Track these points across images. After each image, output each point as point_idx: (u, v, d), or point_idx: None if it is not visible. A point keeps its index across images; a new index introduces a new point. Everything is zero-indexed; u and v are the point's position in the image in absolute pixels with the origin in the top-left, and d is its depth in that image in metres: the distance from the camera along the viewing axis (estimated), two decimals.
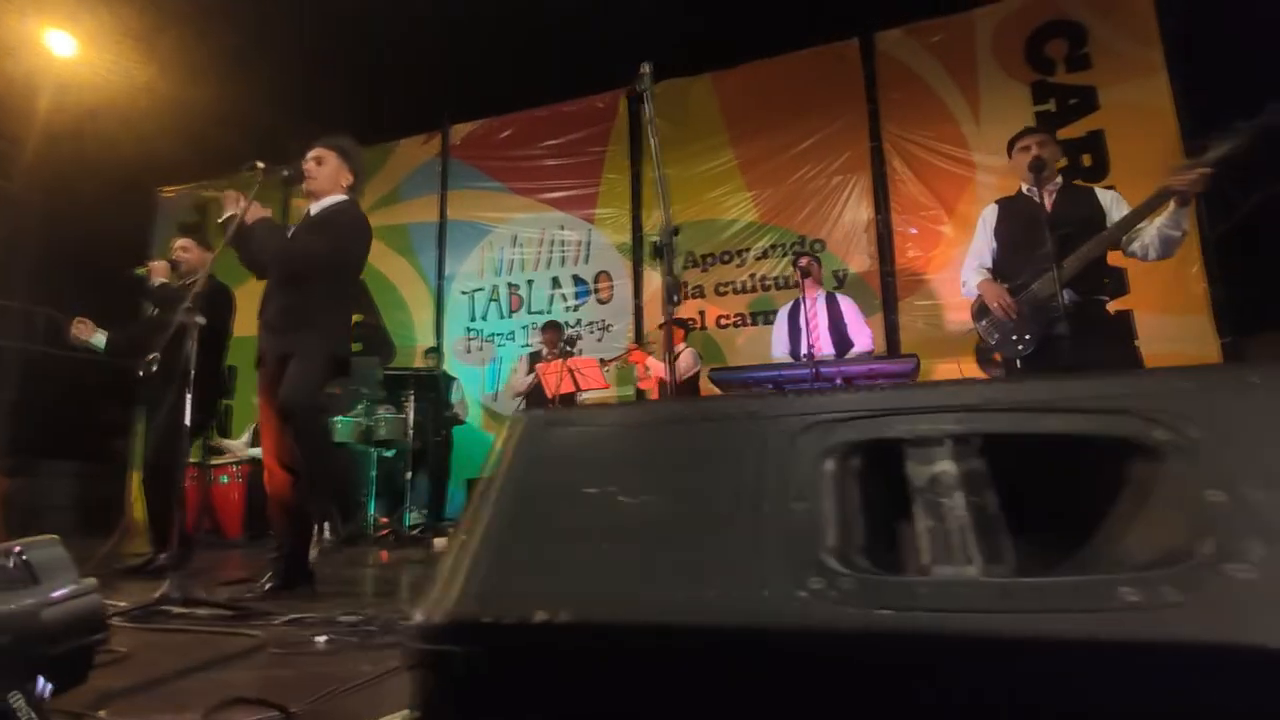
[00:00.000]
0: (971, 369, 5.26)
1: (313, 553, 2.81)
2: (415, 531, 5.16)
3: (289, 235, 2.79)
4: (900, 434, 0.62)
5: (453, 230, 7.58)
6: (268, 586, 2.54)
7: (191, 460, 4.90)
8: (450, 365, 6.81)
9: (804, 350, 4.12)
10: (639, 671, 0.54)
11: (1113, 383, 0.61)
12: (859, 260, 6.08)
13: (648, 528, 0.60)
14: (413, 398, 5.24)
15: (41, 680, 0.99)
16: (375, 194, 7.41)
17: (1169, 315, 5.04)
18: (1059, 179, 2.94)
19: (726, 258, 6.50)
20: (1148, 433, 0.56)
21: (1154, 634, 0.46)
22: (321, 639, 1.79)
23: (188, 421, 2.25)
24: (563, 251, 7.14)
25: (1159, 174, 4.84)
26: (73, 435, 7.66)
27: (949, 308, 5.80)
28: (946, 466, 0.57)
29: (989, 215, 3.11)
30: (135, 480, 7.53)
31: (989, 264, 3.05)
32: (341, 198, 2.86)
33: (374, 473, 5.20)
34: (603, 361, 5.20)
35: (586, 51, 6.61)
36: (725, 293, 6.44)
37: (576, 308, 6.91)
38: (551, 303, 7.06)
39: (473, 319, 7.32)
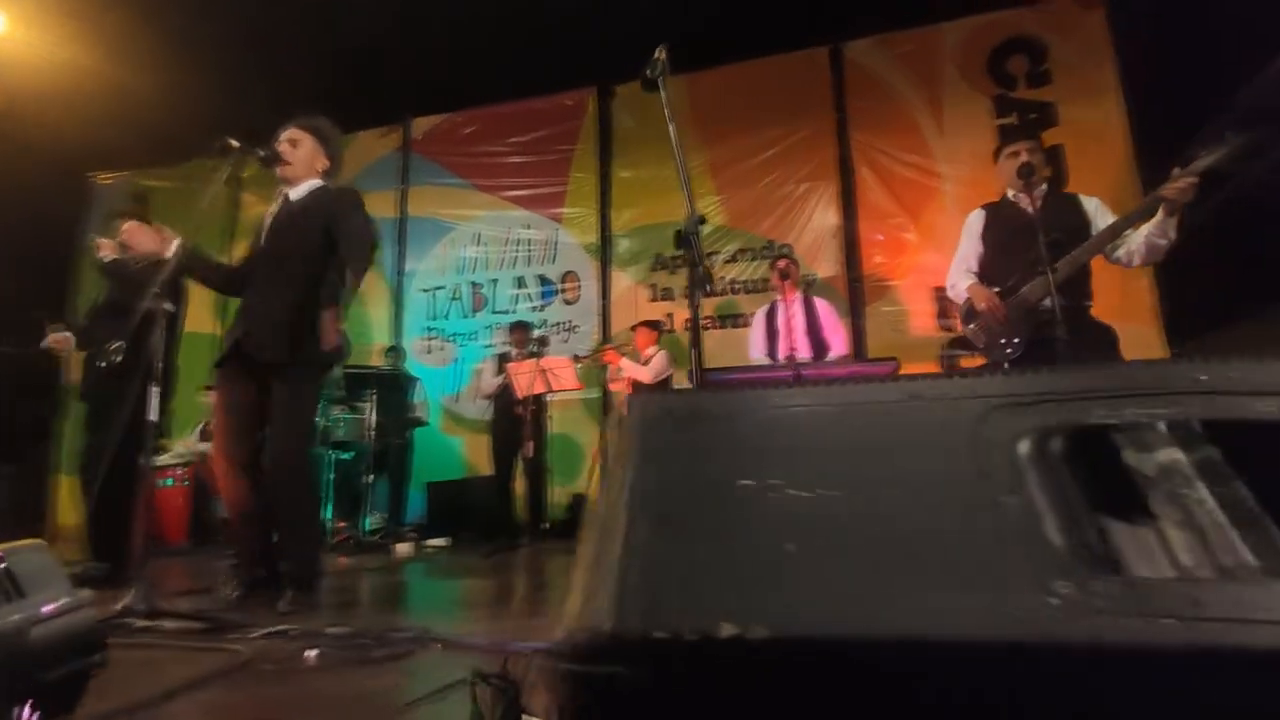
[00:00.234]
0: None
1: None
2: (376, 537, 4.94)
3: (268, 227, 2.61)
4: (1105, 419, 0.55)
5: (413, 227, 7.36)
6: (235, 595, 2.36)
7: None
8: (409, 365, 6.58)
9: (783, 352, 4.10)
10: (861, 691, 0.46)
11: None
12: (826, 266, 6.13)
13: (836, 526, 0.53)
14: (374, 398, 5.02)
15: (28, 710, 0.85)
16: None
17: (1118, 324, 5.22)
18: (1044, 186, 2.98)
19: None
20: None
21: None
22: (312, 653, 1.65)
23: (153, 417, 2.06)
24: (528, 251, 6.99)
25: (1113, 190, 5.03)
26: None
27: (914, 314, 5.89)
28: (1175, 455, 0.51)
29: (975, 220, 3.14)
30: (63, 484, 7.05)
31: (975, 268, 3.07)
32: (319, 183, 2.70)
33: (331, 475, 4.97)
34: (576, 358, 5.10)
35: (554, 49, 6.51)
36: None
37: (542, 308, 6.77)
38: (516, 302, 6.91)
39: (433, 318, 7.11)
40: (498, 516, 5.05)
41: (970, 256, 3.10)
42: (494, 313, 6.98)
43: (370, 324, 7.15)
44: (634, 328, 5.22)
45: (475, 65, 6.79)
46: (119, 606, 1.91)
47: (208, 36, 6.13)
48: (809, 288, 5.97)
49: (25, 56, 5.95)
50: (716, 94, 6.59)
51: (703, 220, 1.63)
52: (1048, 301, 2.75)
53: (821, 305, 4.29)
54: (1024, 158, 2.91)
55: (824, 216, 6.20)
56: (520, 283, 6.97)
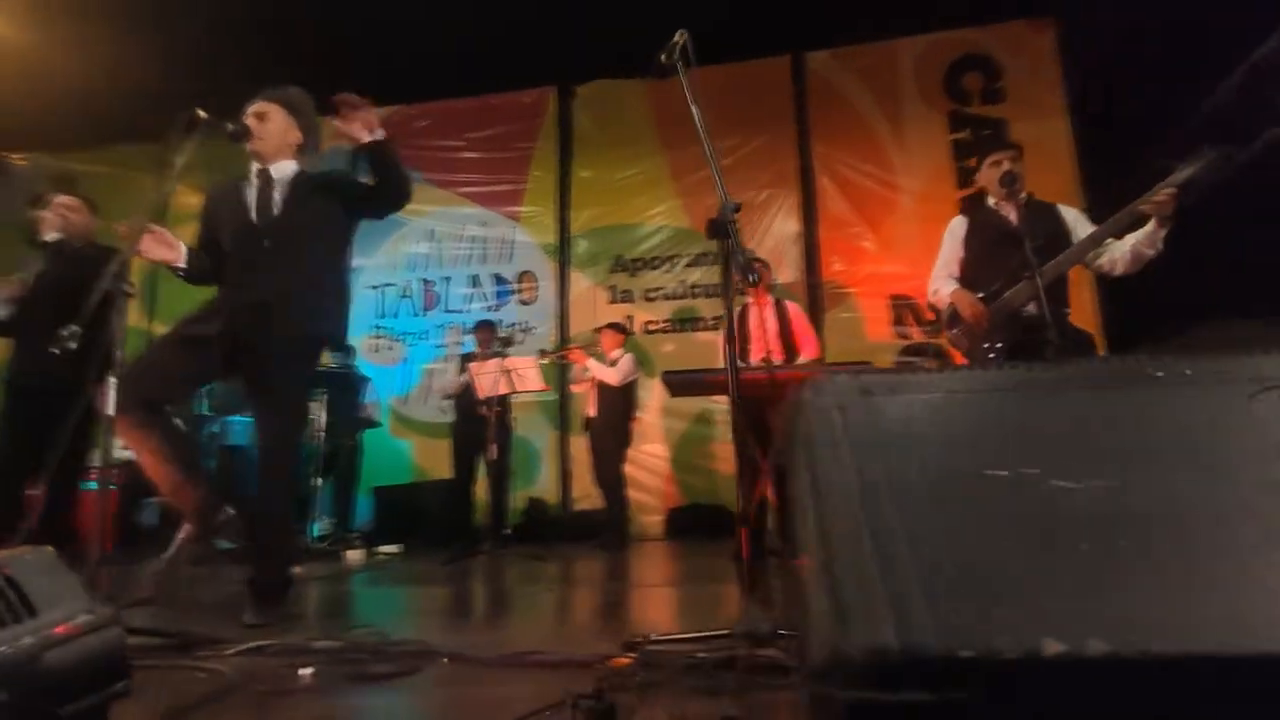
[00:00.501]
0: None
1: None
2: (324, 544, 4.68)
3: (248, 210, 2.41)
4: None
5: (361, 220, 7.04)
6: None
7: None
8: (356, 364, 6.30)
9: (756, 355, 4.07)
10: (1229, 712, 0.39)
11: None
12: (786, 272, 6.17)
13: (1131, 521, 0.46)
14: (325, 397, 4.76)
15: None
16: None
17: None
18: (1025, 194, 3.04)
19: (657, 263, 6.42)
20: None
21: None
22: (306, 672, 1.50)
23: (110, 411, 1.85)
24: (483, 249, 6.81)
25: None
26: None
27: (870, 321, 6.00)
28: None
29: (957, 226, 3.18)
30: None
31: (957, 274, 3.11)
32: (295, 166, 2.52)
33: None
34: (543, 353, 4.96)
35: (513, 47, 6.35)
36: (655, 298, 6.35)
37: (496, 308, 6.59)
38: (470, 301, 6.71)
39: (381, 316, 6.83)
40: (454, 522, 4.86)
41: (952, 262, 3.14)
42: (446, 311, 6.76)
43: None
44: (599, 330, 5.11)
45: (431, 58, 6.55)
46: None
47: (137, 13, 5.72)
48: (771, 290, 6.01)
49: None
50: (677, 98, 6.51)
51: (738, 208, 1.55)
52: (1031, 307, 2.81)
53: (793, 309, 4.29)
54: (1007, 166, 2.96)
55: (785, 224, 6.25)
56: (474, 281, 6.78)
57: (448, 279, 6.81)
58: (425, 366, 6.61)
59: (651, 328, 6.30)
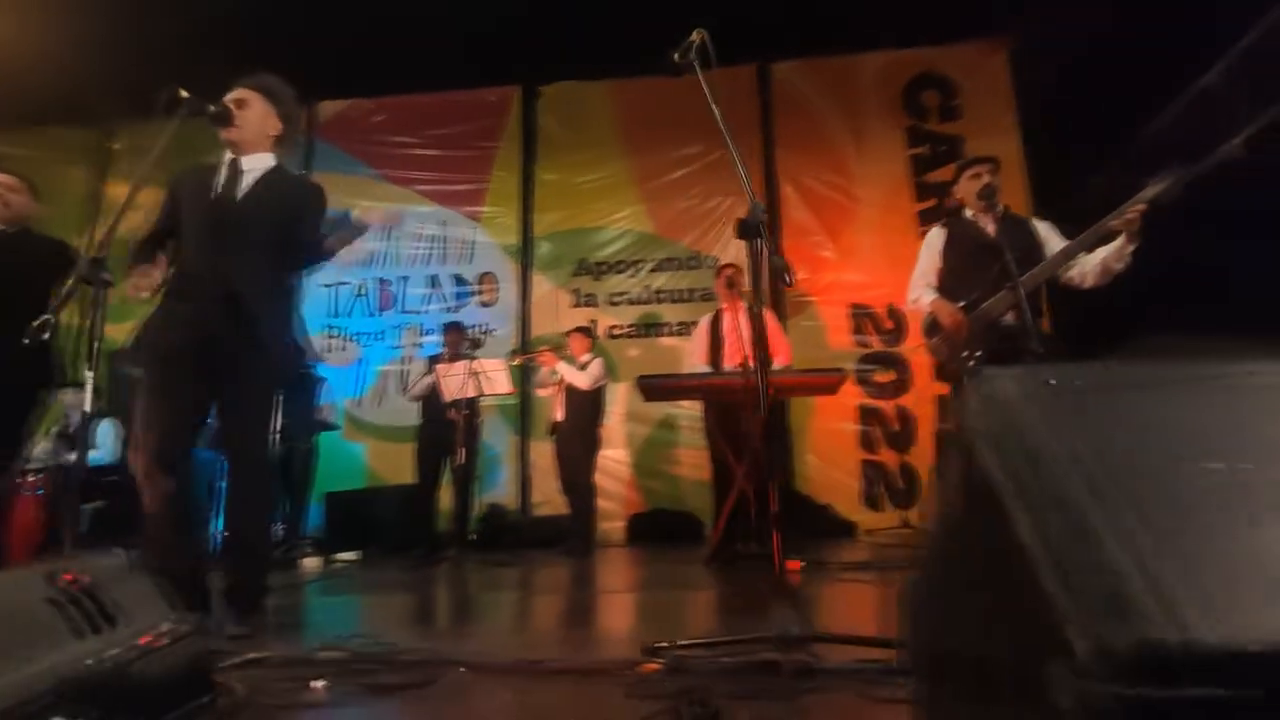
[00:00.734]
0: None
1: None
2: (279, 551, 4.47)
3: (220, 196, 2.27)
4: None
5: None
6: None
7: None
8: (312, 364, 6.06)
9: (732, 360, 4.10)
10: None
11: None
12: (748, 280, 6.21)
13: None
14: (280, 398, 4.55)
15: None
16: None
17: None
18: (1002, 207, 3.14)
19: (621, 267, 6.40)
20: None
21: None
22: (319, 684, 1.41)
23: (87, 407, 1.71)
24: (443, 249, 6.66)
25: None
26: None
27: (831, 329, 6.11)
28: None
29: (935, 237, 3.26)
30: None
31: (935, 283, 3.19)
32: (272, 160, 2.40)
33: (225, 482, 4.44)
34: (513, 354, 4.86)
35: (477, 44, 6.24)
36: (619, 303, 6.33)
37: (456, 309, 6.44)
38: (428, 302, 6.55)
39: (334, 315, 6.60)
40: (415, 527, 4.72)
41: (930, 272, 3.22)
42: (403, 312, 6.58)
43: None
44: (569, 333, 5.05)
45: (390, 51, 6.37)
46: None
47: None
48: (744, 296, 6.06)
49: None
50: (642, 103, 6.55)
51: (766, 208, 1.55)
52: (1009, 316, 2.90)
53: (767, 315, 4.32)
54: (986, 179, 3.06)
55: None
56: (433, 281, 6.62)
57: (404, 279, 6.63)
58: (381, 368, 6.42)
59: (616, 332, 6.26)
